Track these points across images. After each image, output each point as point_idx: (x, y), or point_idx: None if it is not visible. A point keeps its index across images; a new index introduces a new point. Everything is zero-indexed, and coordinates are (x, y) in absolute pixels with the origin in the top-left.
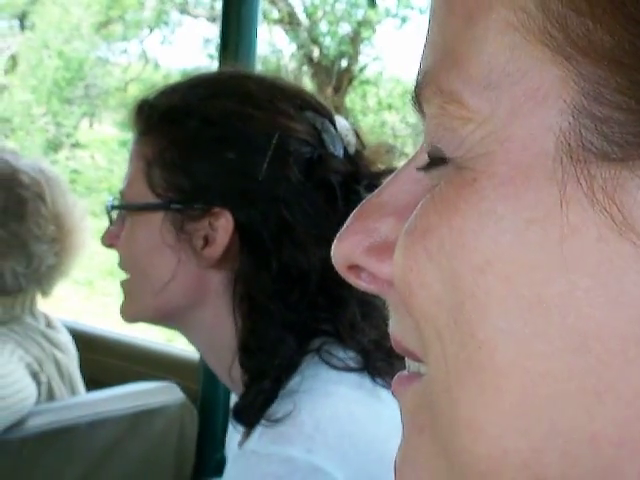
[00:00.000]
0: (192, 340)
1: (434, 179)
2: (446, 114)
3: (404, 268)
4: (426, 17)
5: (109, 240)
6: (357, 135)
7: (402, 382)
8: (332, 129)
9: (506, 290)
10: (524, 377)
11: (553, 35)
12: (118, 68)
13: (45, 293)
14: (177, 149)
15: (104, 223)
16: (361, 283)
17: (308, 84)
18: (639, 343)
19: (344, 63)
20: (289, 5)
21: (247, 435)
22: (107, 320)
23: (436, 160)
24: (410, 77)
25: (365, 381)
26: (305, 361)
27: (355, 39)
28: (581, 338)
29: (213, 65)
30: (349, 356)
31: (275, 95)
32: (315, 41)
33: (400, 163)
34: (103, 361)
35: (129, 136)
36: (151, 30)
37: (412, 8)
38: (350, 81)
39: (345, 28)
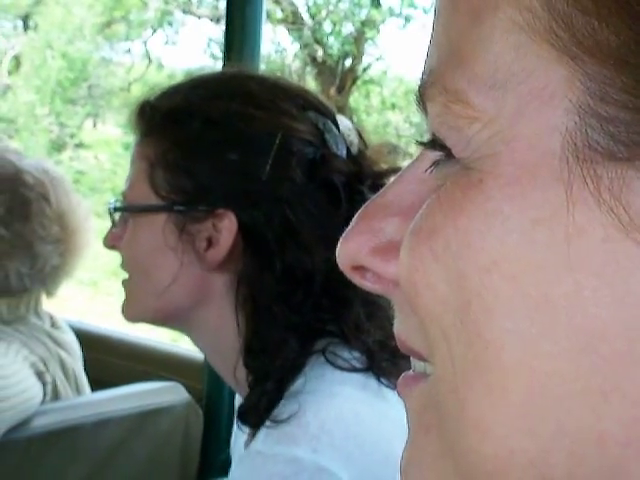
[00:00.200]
0: (196, 341)
1: (439, 179)
2: (451, 113)
3: (410, 268)
4: (430, 16)
5: (111, 241)
6: (360, 135)
7: (408, 382)
8: (335, 129)
9: (512, 290)
10: (531, 377)
11: (559, 35)
12: (122, 68)
13: (50, 293)
14: (180, 150)
15: (108, 224)
16: (366, 283)
17: (312, 84)
18: None
19: (348, 63)
20: (293, 5)
21: (253, 436)
22: (111, 320)
23: (441, 147)
24: (414, 77)
25: (370, 381)
26: (310, 362)
27: (359, 39)
28: (587, 338)
29: (217, 65)
30: (354, 356)
31: (277, 95)
32: (319, 41)
33: (404, 163)
34: (108, 361)
35: (133, 137)
36: (154, 30)
37: (416, 7)
38: (354, 81)
39: (349, 28)
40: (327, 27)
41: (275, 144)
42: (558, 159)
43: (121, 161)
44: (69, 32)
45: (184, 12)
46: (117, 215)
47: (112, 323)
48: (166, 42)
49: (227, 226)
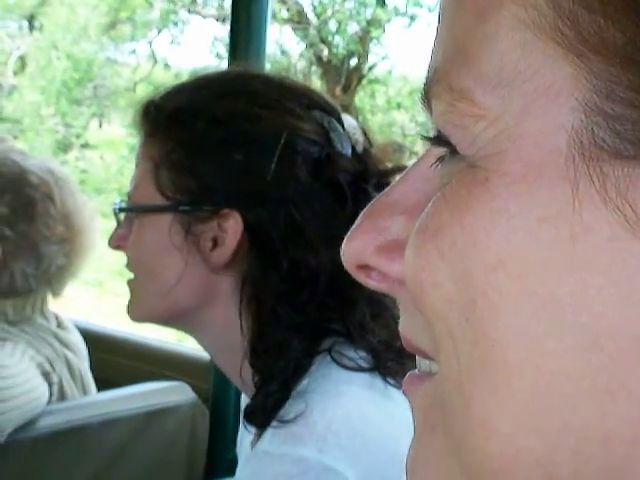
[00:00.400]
0: (201, 341)
1: (444, 177)
2: (456, 111)
3: (415, 267)
4: (435, 15)
5: (116, 242)
6: (365, 133)
7: (413, 381)
8: (340, 128)
9: (518, 288)
10: (536, 375)
11: (564, 32)
12: (127, 68)
13: (55, 293)
14: (184, 150)
15: (114, 224)
16: (371, 282)
17: (317, 83)
18: None
19: (353, 62)
20: (298, 4)
21: (259, 436)
22: (117, 320)
23: (446, 143)
24: (419, 76)
25: (376, 381)
26: (316, 361)
27: (364, 38)
28: (593, 336)
29: (222, 65)
30: (360, 356)
31: (282, 94)
32: (324, 40)
33: (409, 162)
34: (114, 361)
35: (138, 137)
36: (159, 30)
37: (421, 6)
38: (359, 80)
39: (354, 27)
40: (332, 26)
41: (280, 143)
42: (564, 157)
43: (127, 161)
44: (74, 32)
45: (189, 12)
46: (122, 215)
47: (118, 323)
48: (171, 42)
49: (232, 226)
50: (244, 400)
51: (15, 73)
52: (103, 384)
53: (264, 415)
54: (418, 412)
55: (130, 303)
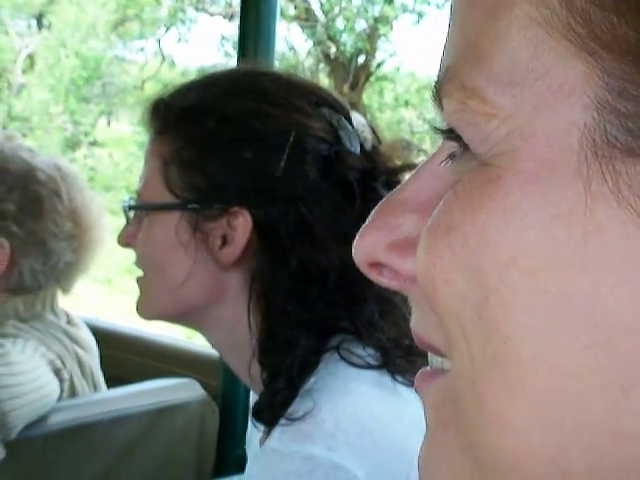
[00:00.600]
0: (210, 339)
1: (456, 174)
2: (468, 110)
3: (427, 264)
4: (443, 12)
5: (125, 239)
6: (373, 131)
7: (425, 378)
8: (348, 126)
9: (531, 286)
10: (550, 372)
11: (577, 31)
12: (135, 66)
13: (65, 290)
14: (194, 148)
15: (122, 221)
16: (383, 280)
17: (325, 81)
18: None
19: (361, 59)
20: (306, 2)
21: (268, 433)
22: (126, 317)
23: (457, 139)
24: (427, 73)
25: (385, 379)
26: (324, 359)
27: (372, 35)
28: (606, 334)
29: (230, 63)
30: (368, 353)
31: (291, 92)
32: (332, 38)
33: (417, 159)
34: (123, 358)
35: (146, 135)
36: (167, 28)
37: (429, 3)
38: (367, 77)
39: (362, 24)
40: (340, 24)
41: (289, 141)
42: (576, 155)
43: (135, 159)
44: (83, 31)
45: (197, 10)
46: (131, 213)
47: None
48: (179, 40)
49: (242, 224)
50: (253, 397)
51: (24, 71)
52: (113, 381)
53: (272, 413)
54: (430, 409)
55: (139, 300)
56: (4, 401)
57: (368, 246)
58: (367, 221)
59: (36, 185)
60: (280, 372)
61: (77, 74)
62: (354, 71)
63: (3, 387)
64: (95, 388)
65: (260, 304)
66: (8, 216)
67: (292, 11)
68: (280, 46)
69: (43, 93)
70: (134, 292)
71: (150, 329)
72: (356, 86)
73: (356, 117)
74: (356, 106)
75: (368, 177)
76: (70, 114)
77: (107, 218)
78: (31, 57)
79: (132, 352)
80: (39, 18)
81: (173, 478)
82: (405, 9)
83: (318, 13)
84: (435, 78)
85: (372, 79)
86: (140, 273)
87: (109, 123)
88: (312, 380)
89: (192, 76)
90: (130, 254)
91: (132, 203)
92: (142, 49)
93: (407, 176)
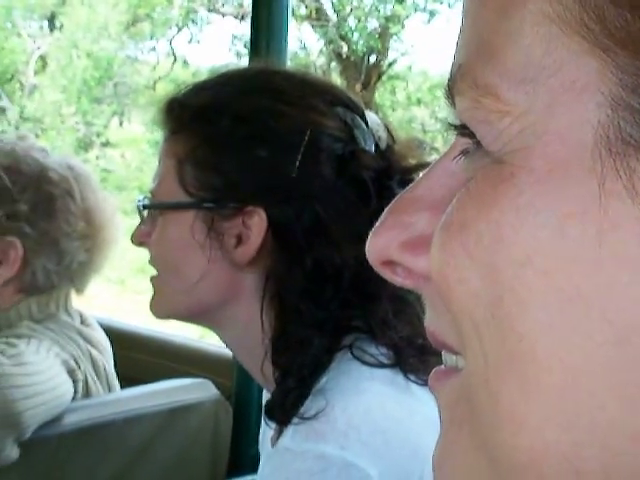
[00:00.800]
0: (224, 338)
1: (469, 172)
2: (481, 107)
3: (441, 263)
4: (455, 11)
5: (139, 238)
6: (388, 130)
7: (439, 377)
8: (363, 124)
9: (545, 284)
10: (564, 370)
11: (590, 27)
12: (147, 67)
13: (79, 290)
14: (209, 147)
15: (135, 221)
16: (396, 278)
17: (337, 80)
18: None
19: (373, 58)
20: (317, 1)
21: (279, 432)
22: (139, 318)
23: (470, 135)
24: (439, 72)
25: (397, 377)
26: (337, 358)
27: (383, 34)
28: (621, 332)
29: (242, 63)
30: (381, 352)
31: (306, 91)
32: (343, 37)
33: (430, 158)
34: (137, 358)
35: (159, 135)
36: (179, 28)
37: (441, 2)
38: (379, 76)
39: (373, 23)
40: (352, 23)
41: (304, 140)
42: (590, 152)
43: (147, 159)
44: (94, 31)
45: (209, 10)
46: (145, 212)
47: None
48: (190, 40)
49: (257, 223)
50: (266, 396)
51: (36, 73)
52: (126, 381)
53: (284, 411)
54: (444, 408)
55: (153, 300)
56: (18, 401)
57: (381, 245)
58: (380, 220)
59: (49, 185)
60: (292, 371)
61: (89, 75)
62: (366, 70)
63: (17, 387)
64: (109, 388)
65: (274, 303)
66: (21, 216)
67: (303, 11)
68: (292, 46)
69: (55, 94)
70: (147, 292)
71: (162, 329)
72: (368, 85)
73: (371, 116)
74: (368, 105)
75: (383, 176)
76: (82, 115)
77: (120, 217)
78: (43, 58)
79: (145, 352)
80: (51, 19)
81: (187, 478)
82: (417, 8)
83: (329, 12)
84: (448, 76)
85: (384, 78)
86: (154, 272)
87: (121, 123)
88: (324, 379)
89: (204, 76)
90: (143, 254)
91: (146, 202)
92: (154, 49)
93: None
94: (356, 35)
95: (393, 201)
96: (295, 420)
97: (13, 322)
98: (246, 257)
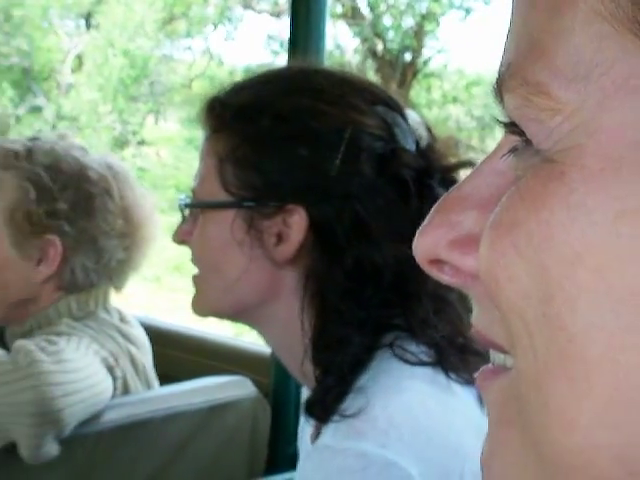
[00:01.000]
0: (264, 335)
1: (518, 170)
2: (531, 105)
3: (490, 262)
4: (491, 8)
5: (181, 237)
6: (428, 128)
7: (487, 376)
8: (403, 123)
9: (597, 283)
10: (616, 370)
11: None
12: (182, 65)
13: (117, 288)
14: (249, 146)
15: (171, 219)
16: (443, 277)
17: (372, 78)
18: None
19: (408, 57)
20: (352, 0)
21: (318, 430)
22: (175, 315)
23: (520, 133)
24: (475, 69)
25: (438, 376)
26: (377, 356)
27: (419, 32)
28: None
29: (277, 60)
30: (422, 350)
31: (346, 90)
32: (379, 35)
33: (466, 156)
34: (175, 355)
35: (194, 133)
36: (215, 26)
37: None
38: (414, 74)
39: (409, 21)
40: (387, 21)
41: (344, 139)
42: None
43: (183, 157)
44: (130, 30)
45: (244, 7)
46: (187, 211)
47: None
48: (226, 38)
49: (297, 221)
50: (305, 394)
51: (72, 71)
52: (164, 379)
53: (324, 409)
54: (493, 407)
55: (194, 298)
56: (57, 398)
57: (429, 243)
58: (427, 218)
59: (88, 184)
60: (332, 369)
61: (125, 73)
62: (401, 68)
63: (56, 384)
64: (148, 386)
65: (314, 302)
66: (60, 215)
67: (339, 9)
68: (327, 44)
69: (91, 93)
70: (182, 290)
71: (199, 326)
72: (403, 83)
73: (411, 114)
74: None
75: (423, 175)
76: (118, 113)
77: (158, 215)
78: (79, 57)
79: (183, 350)
80: (87, 18)
81: (225, 476)
82: (452, 5)
83: (365, 11)
84: (496, 74)
85: (419, 76)
86: (191, 272)
87: (157, 122)
88: (365, 377)
89: (240, 74)
90: (179, 252)
91: (187, 201)
92: (189, 47)
93: (462, 174)
94: (391, 33)
95: (440, 200)
96: (335, 418)
97: (53, 320)
98: (286, 255)
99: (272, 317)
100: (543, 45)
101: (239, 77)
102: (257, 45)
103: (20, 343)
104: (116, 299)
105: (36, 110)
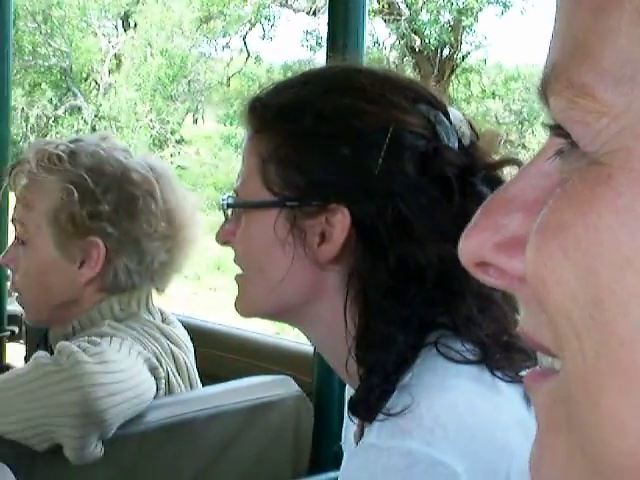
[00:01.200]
0: (308, 335)
1: (564, 172)
2: (577, 107)
3: (537, 265)
4: (529, 3)
5: (224, 237)
6: (471, 126)
7: (536, 378)
8: (446, 121)
9: None
10: None
11: None
12: (220, 63)
13: (159, 289)
14: (292, 146)
15: (210, 218)
16: (489, 279)
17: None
18: None
19: (446, 52)
20: None
21: (362, 429)
22: (215, 314)
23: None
24: (513, 64)
25: (484, 374)
26: (422, 354)
27: (456, 27)
28: None
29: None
30: (467, 348)
31: (388, 88)
32: (416, 31)
33: (505, 152)
34: (217, 355)
35: (232, 131)
36: (252, 25)
37: None
38: (452, 70)
39: (446, 16)
40: (424, 17)
41: (387, 138)
42: None
43: (221, 155)
44: (168, 29)
45: (281, 5)
46: (230, 211)
47: (216, 317)
48: (263, 36)
49: (340, 221)
50: (348, 392)
51: (111, 71)
52: (207, 378)
53: (368, 408)
54: (541, 409)
55: (238, 298)
56: (101, 399)
57: (475, 246)
58: (472, 221)
59: (131, 186)
60: (376, 368)
61: (163, 73)
62: (439, 64)
63: (100, 385)
64: (191, 385)
65: (358, 301)
66: (103, 217)
67: (375, 5)
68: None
69: (130, 92)
70: (221, 289)
71: (240, 325)
72: (441, 79)
73: (454, 112)
74: None
75: (466, 173)
76: (157, 112)
77: (199, 215)
78: (118, 57)
79: (225, 349)
80: (125, 18)
81: (269, 475)
82: (490, 0)
83: (402, 6)
84: (541, 75)
85: (457, 71)
86: (231, 271)
87: (195, 121)
88: (409, 375)
89: (277, 71)
90: (219, 251)
91: (230, 201)
92: (227, 46)
93: (505, 171)
94: (429, 29)
95: (485, 202)
96: (380, 417)
97: (95, 321)
98: (329, 255)
99: (315, 317)
100: (588, 46)
101: (276, 74)
102: (294, 42)
103: (63, 344)
104: (158, 299)
105: (75, 110)
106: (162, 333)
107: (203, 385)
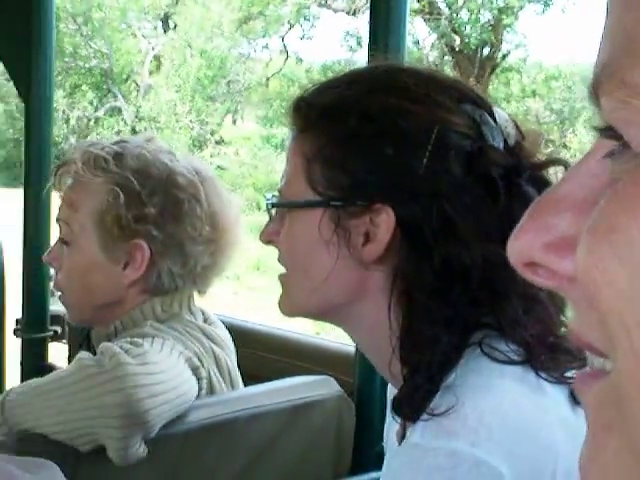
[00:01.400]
0: (352, 335)
1: (615, 173)
2: (630, 108)
3: (589, 265)
4: (570, 1)
5: (268, 237)
6: (516, 126)
7: (585, 379)
8: (491, 121)
9: None
10: None
11: None
12: (259, 64)
13: (201, 292)
14: (336, 146)
15: (249, 218)
16: (538, 279)
17: (450, 74)
18: None
19: (486, 51)
20: None
21: (404, 428)
22: (255, 314)
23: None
24: (554, 63)
25: (528, 375)
26: (466, 354)
27: (496, 26)
28: None
29: (354, 58)
30: (511, 349)
31: (432, 88)
32: (456, 30)
33: (548, 151)
34: (258, 355)
35: (272, 131)
36: (291, 25)
37: None
38: (492, 69)
39: (486, 16)
40: (464, 16)
41: (432, 138)
42: None
43: (260, 155)
44: (207, 30)
45: (320, 6)
46: (274, 211)
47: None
48: (302, 37)
49: (385, 221)
50: (390, 392)
51: (151, 72)
52: (248, 378)
53: (412, 407)
54: (591, 411)
55: (282, 298)
56: (143, 400)
57: (524, 246)
58: (522, 221)
59: (176, 189)
60: (420, 368)
61: (203, 73)
62: (479, 63)
63: (142, 386)
64: (232, 385)
65: (402, 301)
66: (149, 219)
67: (416, 5)
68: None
69: (170, 93)
70: (261, 289)
71: (281, 326)
72: (482, 78)
73: (499, 112)
74: None
75: (512, 173)
76: (196, 113)
77: (242, 218)
78: (157, 58)
79: (267, 349)
80: (165, 20)
81: (311, 475)
82: None
83: (442, 6)
84: (592, 76)
85: (498, 70)
86: (274, 270)
87: (234, 121)
88: (453, 376)
89: (317, 72)
90: (259, 251)
91: (275, 201)
92: (266, 46)
93: (551, 171)
94: (469, 28)
95: (534, 202)
96: (424, 416)
97: (137, 322)
98: (374, 255)
99: (359, 317)
100: None
101: (316, 75)
102: (333, 42)
103: (105, 346)
104: (200, 299)
105: (115, 112)
106: (204, 333)
107: (245, 385)
